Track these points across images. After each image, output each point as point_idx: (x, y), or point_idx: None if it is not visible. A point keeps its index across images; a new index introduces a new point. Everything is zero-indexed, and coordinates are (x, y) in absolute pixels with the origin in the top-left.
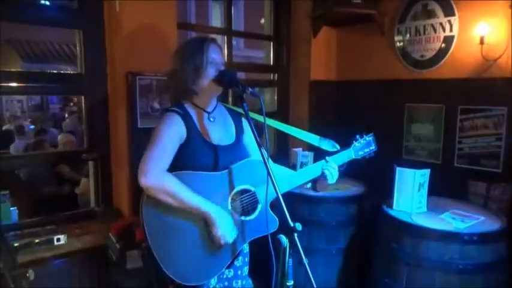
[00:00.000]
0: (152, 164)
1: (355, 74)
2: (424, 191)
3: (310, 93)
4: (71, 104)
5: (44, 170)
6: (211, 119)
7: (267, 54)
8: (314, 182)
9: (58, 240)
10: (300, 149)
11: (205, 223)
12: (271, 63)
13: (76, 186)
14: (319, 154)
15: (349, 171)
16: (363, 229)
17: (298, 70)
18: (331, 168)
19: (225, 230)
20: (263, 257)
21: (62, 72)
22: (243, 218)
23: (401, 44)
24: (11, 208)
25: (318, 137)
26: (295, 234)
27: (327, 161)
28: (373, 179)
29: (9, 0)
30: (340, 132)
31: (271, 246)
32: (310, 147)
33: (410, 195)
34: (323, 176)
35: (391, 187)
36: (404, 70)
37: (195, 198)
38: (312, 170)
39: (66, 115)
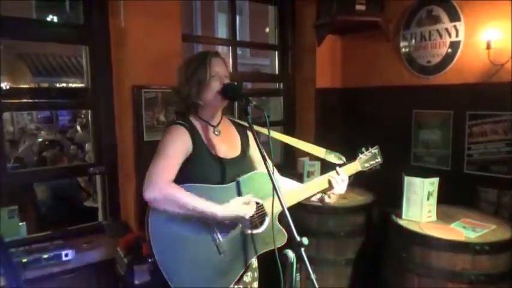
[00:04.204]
0: (158, 175)
1: (361, 81)
2: (433, 199)
3: (316, 101)
4: (82, 116)
5: (52, 184)
6: (216, 133)
7: (273, 63)
8: (322, 194)
9: (66, 255)
10: (307, 158)
11: (214, 236)
12: (277, 72)
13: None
14: (326, 164)
15: (357, 180)
16: (372, 239)
17: (303, 79)
18: (339, 178)
19: (244, 214)
20: (272, 272)
21: (70, 86)
22: (251, 231)
23: (407, 50)
24: (20, 223)
25: (324, 149)
26: (302, 249)
27: (337, 172)
28: (382, 187)
29: (17, 18)
30: (347, 139)
31: (278, 261)
32: (317, 156)
33: (419, 204)
34: (331, 187)
35: (400, 196)
36: (410, 76)
37: (205, 203)
38: (319, 181)
39: (79, 128)
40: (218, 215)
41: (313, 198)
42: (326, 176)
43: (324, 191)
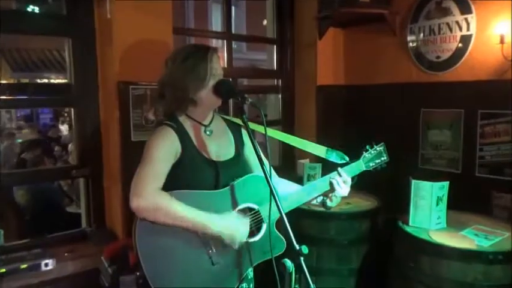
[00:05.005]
0: (145, 184)
1: (365, 77)
2: (443, 205)
3: (317, 99)
4: (65, 114)
5: (32, 188)
6: (208, 133)
7: (270, 58)
8: (323, 197)
9: (46, 265)
10: (307, 160)
11: (207, 246)
12: (275, 67)
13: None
14: (328, 166)
15: (360, 183)
16: (377, 247)
17: (303, 75)
18: (341, 180)
19: (240, 237)
20: (269, 283)
21: (51, 82)
22: (247, 239)
23: (415, 44)
24: None
25: (325, 148)
26: (301, 258)
27: (339, 173)
28: (387, 191)
29: None
30: (350, 140)
31: (276, 271)
32: (318, 158)
33: (427, 210)
34: (332, 189)
35: (407, 201)
36: (418, 73)
37: (199, 213)
38: (320, 184)
39: (61, 127)
40: (212, 230)
41: (314, 202)
42: (327, 178)
43: (325, 194)
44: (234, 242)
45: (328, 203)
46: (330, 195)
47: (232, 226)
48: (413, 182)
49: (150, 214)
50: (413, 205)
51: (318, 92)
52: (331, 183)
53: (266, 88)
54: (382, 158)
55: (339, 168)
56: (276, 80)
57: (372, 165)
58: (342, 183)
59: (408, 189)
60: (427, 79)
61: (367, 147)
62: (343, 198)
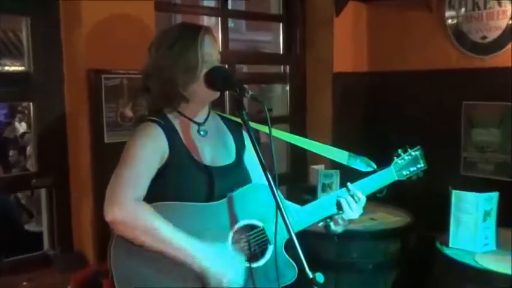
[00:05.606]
0: (123, 191)
1: (393, 63)
2: (492, 221)
3: (334, 89)
4: (25, 110)
5: None
6: (202, 132)
7: (276, 39)
8: (327, 220)
9: None
10: (322, 166)
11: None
12: (281, 51)
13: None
14: (351, 173)
15: (387, 194)
16: (408, 274)
17: (316, 60)
18: (352, 200)
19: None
20: None
21: (5, 70)
22: (249, 264)
23: (455, 21)
24: None
25: (347, 153)
26: None
27: (349, 190)
28: (421, 204)
29: None
30: (375, 141)
31: None
32: (335, 163)
33: (472, 227)
34: (340, 210)
35: (446, 216)
36: (459, 56)
37: (188, 240)
38: (325, 204)
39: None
40: (200, 264)
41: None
42: (333, 196)
43: (330, 217)
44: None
45: (333, 226)
46: (336, 217)
47: (224, 265)
48: (454, 192)
49: (128, 229)
50: (455, 221)
51: (334, 81)
52: (338, 203)
53: (271, 76)
54: (419, 165)
55: (349, 184)
56: (282, 67)
57: (406, 174)
58: (353, 203)
59: (447, 201)
60: (470, 64)
61: (399, 151)
62: (365, 213)
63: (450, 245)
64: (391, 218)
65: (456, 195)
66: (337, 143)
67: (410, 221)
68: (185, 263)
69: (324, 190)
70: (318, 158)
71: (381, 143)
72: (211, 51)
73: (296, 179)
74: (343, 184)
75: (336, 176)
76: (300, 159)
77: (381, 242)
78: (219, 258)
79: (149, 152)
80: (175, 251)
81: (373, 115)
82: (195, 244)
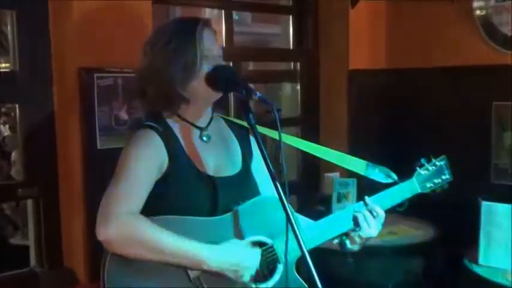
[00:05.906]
0: (117, 205)
1: (415, 59)
2: None
3: (349, 88)
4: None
5: None
6: (205, 138)
7: (285, 33)
8: (342, 236)
9: None
10: (337, 173)
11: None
12: (291, 46)
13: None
14: (369, 181)
15: (410, 205)
16: None
17: (330, 56)
18: (370, 215)
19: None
20: None
21: None
22: (256, 285)
23: (484, 13)
24: None
25: (365, 162)
26: None
27: (366, 204)
28: (447, 217)
29: None
30: (395, 147)
31: None
32: (352, 171)
33: (504, 243)
34: (357, 227)
35: (476, 230)
36: (489, 52)
37: (190, 244)
38: (341, 219)
39: (3, 129)
40: (209, 265)
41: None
42: (349, 210)
43: (345, 233)
44: (238, 276)
45: (349, 245)
46: (352, 234)
47: (235, 255)
48: (484, 203)
49: (123, 247)
50: (485, 236)
51: (350, 80)
52: (355, 218)
53: (280, 74)
54: (444, 177)
55: (366, 197)
56: (293, 64)
57: (430, 187)
58: (371, 219)
59: (477, 213)
60: (501, 60)
61: (422, 161)
62: (385, 226)
63: (480, 262)
64: (413, 232)
65: (486, 206)
66: (353, 147)
67: (435, 235)
68: (195, 269)
69: (339, 200)
70: (332, 165)
71: (401, 150)
72: (211, 46)
73: (307, 188)
74: (360, 194)
75: (352, 185)
76: (312, 165)
77: (402, 258)
78: (228, 254)
79: (146, 163)
80: (182, 261)
81: (392, 117)
82: (201, 249)
